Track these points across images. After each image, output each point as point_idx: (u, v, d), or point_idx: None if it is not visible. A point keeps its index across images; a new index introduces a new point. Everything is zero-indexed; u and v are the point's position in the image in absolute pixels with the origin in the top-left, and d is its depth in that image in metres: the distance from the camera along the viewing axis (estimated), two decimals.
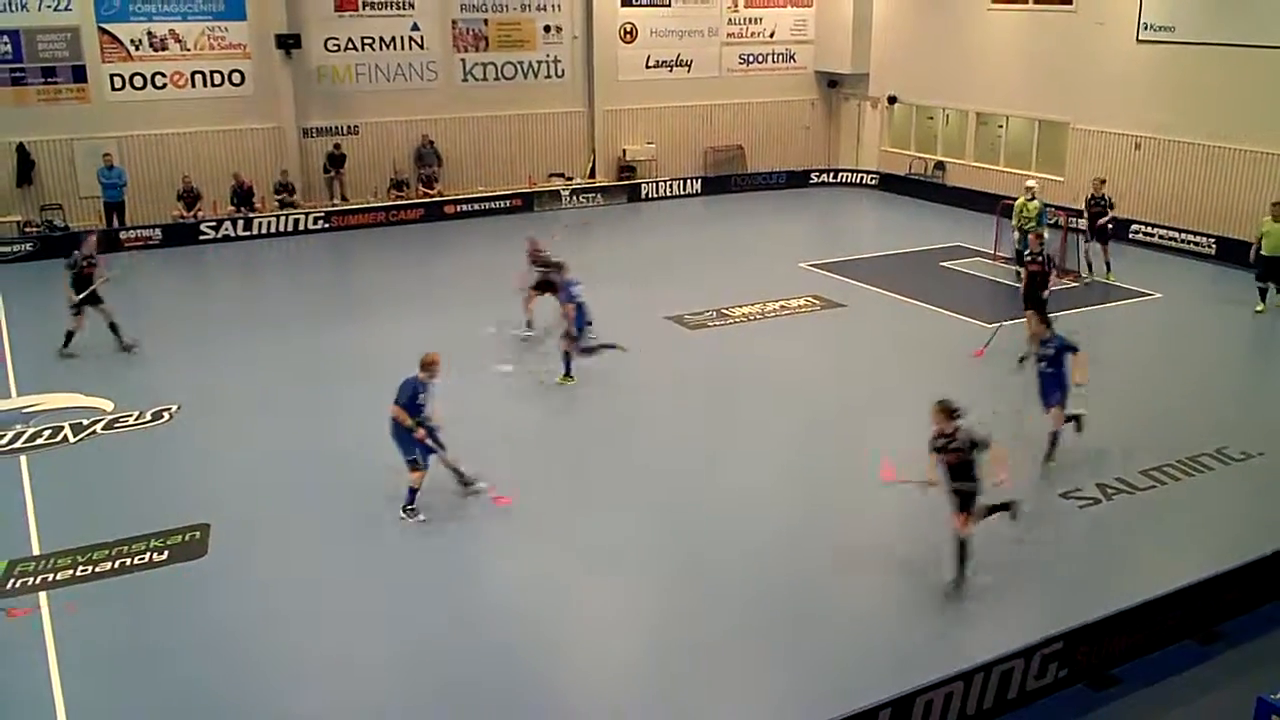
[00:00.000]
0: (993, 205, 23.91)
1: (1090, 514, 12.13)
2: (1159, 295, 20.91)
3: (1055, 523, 11.93)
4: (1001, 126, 29.69)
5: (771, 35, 33.40)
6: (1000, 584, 10.71)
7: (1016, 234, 21.68)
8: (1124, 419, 14.83)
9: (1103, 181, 22.33)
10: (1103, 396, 15.89)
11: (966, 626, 10.10)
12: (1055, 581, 10.90)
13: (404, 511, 12.00)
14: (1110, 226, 21.86)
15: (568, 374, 16.09)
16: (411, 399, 11.80)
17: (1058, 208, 23.64)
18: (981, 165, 29.83)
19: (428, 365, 11.96)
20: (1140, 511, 12.22)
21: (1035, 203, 21.33)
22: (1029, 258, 18.43)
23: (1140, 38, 25.34)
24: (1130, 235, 25.15)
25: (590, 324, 15.98)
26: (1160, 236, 24.72)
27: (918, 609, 10.39)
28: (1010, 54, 28.81)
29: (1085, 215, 22.14)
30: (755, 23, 33.05)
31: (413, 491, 11.99)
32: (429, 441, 11.96)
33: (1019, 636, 8.93)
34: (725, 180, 32.31)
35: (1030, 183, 22.43)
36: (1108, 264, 21.96)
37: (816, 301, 20.39)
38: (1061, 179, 27.59)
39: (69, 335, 17.36)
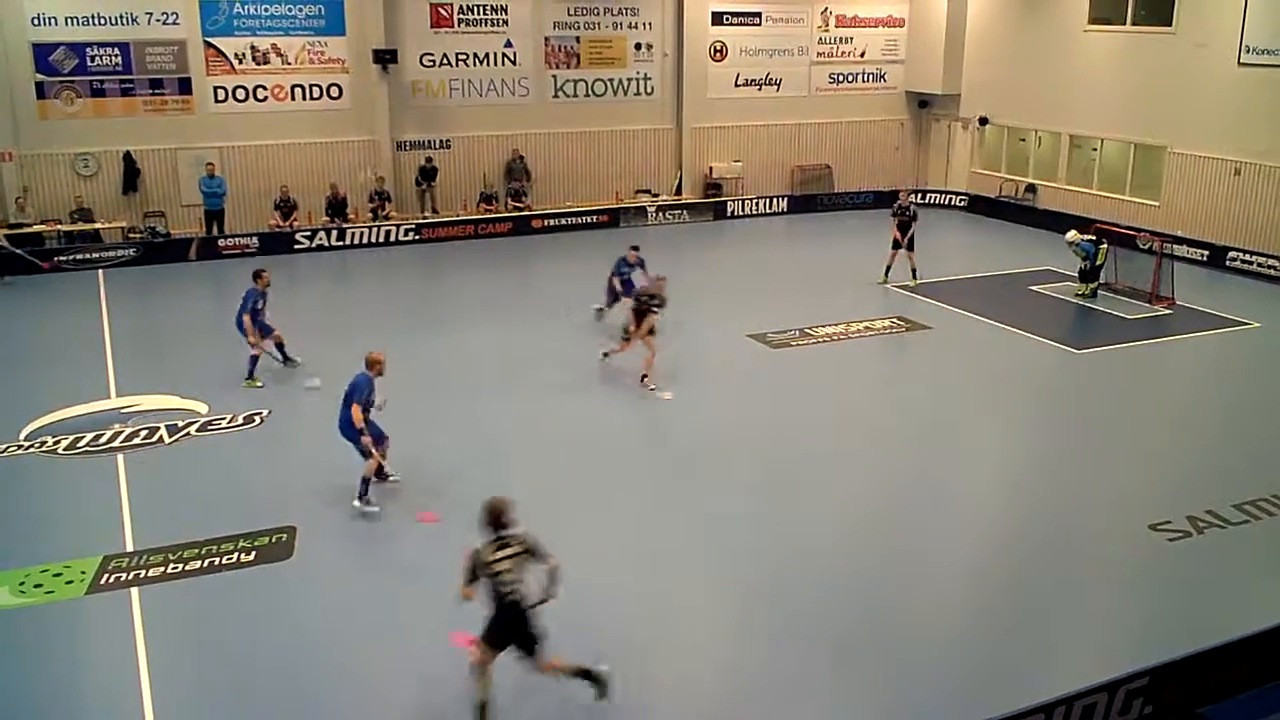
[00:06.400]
0: (1085, 229, 23.42)
1: (1180, 547, 11.82)
2: (1258, 325, 20.33)
3: (1143, 555, 11.68)
4: (1096, 149, 29.16)
5: (862, 55, 33.29)
6: (1085, 617, 10.52)
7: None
8: (1217, 450, 14.48)
9: (911, 192, 24.53)
10: (1195, 426, 15.60)
11: (1049, 658, 9.91)
12: (1142, 615, 10.65)
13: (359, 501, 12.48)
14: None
15: None
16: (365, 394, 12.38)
17: (1153, 233, 23.29)
18: (1074, 188, 29.33)
19: (374, 363, 12.54)
20: (1233, 546, 11.86)
21: (1079, 248, 22.19)
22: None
23: (1242, 61, 24.73)
24: (1228, 263, 24.58)
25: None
26: (1259, 265, 24.06)
27: (1000, 639, 10.22)
28: (1106, 76, 28.30)
29: (895, 225, 22.89)
30: (846, 42, 32.97)
31: (366, 481, 12.54)
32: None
33: (1103, 670, 8.74)
34: (812, 199, 32.23)
35: (1070, 235, 22.52)
36: (914, 270, 22.92)
37: (901, 323, 20.20)
38: (1157, 204, 27.04)
39: None
